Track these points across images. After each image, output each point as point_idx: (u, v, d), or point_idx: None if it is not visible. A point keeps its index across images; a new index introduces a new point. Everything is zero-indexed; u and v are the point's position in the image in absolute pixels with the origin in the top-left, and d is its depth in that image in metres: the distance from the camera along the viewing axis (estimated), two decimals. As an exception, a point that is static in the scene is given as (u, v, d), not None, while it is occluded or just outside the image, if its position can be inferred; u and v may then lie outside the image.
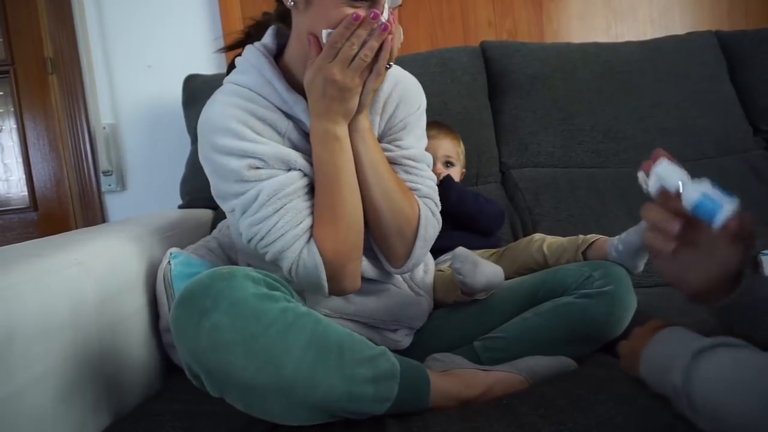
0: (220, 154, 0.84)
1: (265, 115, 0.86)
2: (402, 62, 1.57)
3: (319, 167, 0.85)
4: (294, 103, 0.87)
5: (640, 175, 0.68)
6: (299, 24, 0.85)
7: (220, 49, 1.01)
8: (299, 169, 0.87)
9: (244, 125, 0.84)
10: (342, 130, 0.83)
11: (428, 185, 0.96)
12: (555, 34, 1.90)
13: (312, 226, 0.86)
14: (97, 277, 0.91)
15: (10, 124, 1.84)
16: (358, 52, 0.77)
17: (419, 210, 0.92)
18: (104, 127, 1.81)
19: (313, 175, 0.87)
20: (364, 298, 0.94)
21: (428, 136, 1.02)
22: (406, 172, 0.94)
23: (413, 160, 0.95)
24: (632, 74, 1.62)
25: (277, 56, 0.91)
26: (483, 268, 0.94)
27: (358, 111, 0.84)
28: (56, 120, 1.82)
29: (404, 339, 1.00)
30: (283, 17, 0.91)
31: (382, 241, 0.92)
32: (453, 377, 0.82)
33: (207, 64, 1.78)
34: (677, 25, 1.93)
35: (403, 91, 0.97)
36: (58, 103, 1.81)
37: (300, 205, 0.85)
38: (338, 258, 0.84)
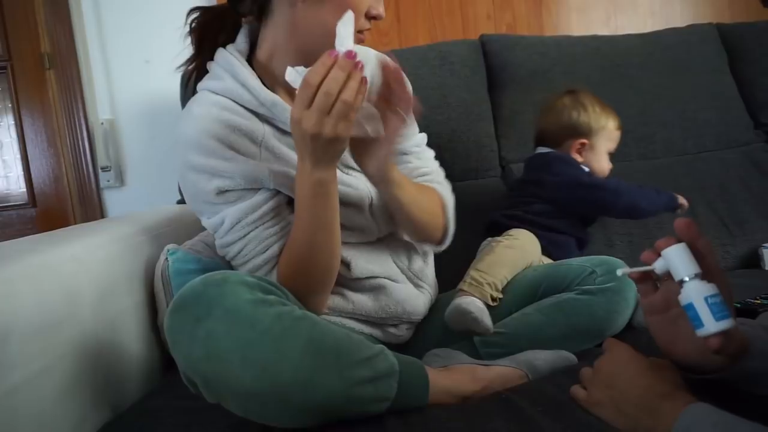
0: (191, 171, 0.85)
1: (240, 124, 0.85)
2: (401, 56, 1.56)
3: (300, 204, 0.80)
4: (272, 104, 0.85)
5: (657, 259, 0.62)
6: (300, 17, 0.83)
7: (183, 65, 0.97)
8: (271, 189, 0.85)
9: (217, 140, 0.83)
10: (327, 174, 0.76)
11: (434, 164, 1.04)
12: (554, 26, 1.89)
13: (279, 254, 0.85)
14: (94, 273, 0.91)
15: (8, 121, 1.83)
16: (336, 97, 0.67)
17: (441, 198, 0.98)
18: (102, 123, 1.81)
19: (291, 189, 0.85)
20: (362, 296, 0.94)
21: None
22: (417, 158, 1.01)
23: (418, 145, 1.02)
24: (632, 67, 1.61)
25: (249, 56, 0.90)
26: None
27: (389, 161, 0.82)
28: (54, 116, 1.81)
29: (405, 333, 1.00)
30: (263, 10, 0.87)
31: (420, 240, 1.00)
32: (452, 373, 0.82)
33: (205, 58, 1.78)
34: (678, 18, 1.91)
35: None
36: (55, 98, 1.81)
37: (263, 233, 0.85)
38: (299, 293, 0.81)
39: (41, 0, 1.77)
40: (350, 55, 0.68)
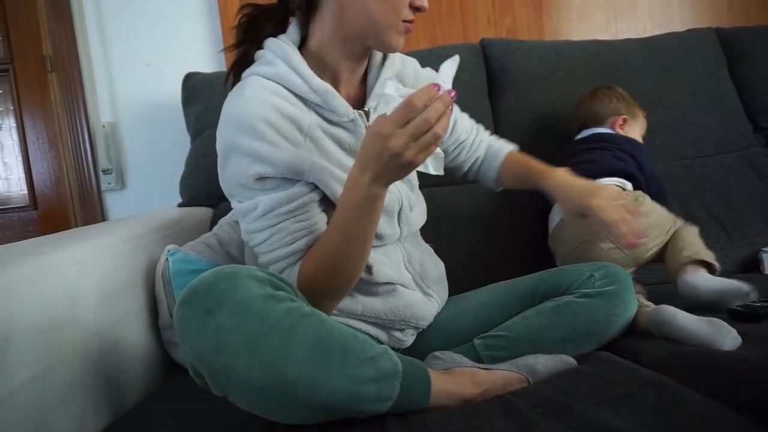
0: (234, 153, 0.84)
1: (289, 111, 0.85)
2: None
3: (342, 213, 0.80)
4: (324, 91, 0.86)
5: None
6: (347, 6, 0.86)
7: (228, 48, 0.96)
8: (310, 182, 0.86)
9: (267, 123, 0.83)
10: (382, 192, 0.76)
11: (474, 126, 1.18)
12: (554, 31, 1.90)
13: (305, 248, 0.85)
14: (96, 276, 0.91)
15: (10, 123, 1.84)
16: (432, 127, 0.68)
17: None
18: (104, 126, 1.81)
19: (326, 186, 0.86)
20: (372, 299, 0.94)
21: None
22: (467, 136, 1.15)
23: (466, 130, 1.15)
24: (632, 72, 1.61)
25: (300, 48, 0.91)
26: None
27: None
28: (56, 118, 1.82)
29: (409, 338, 1.00)
30: (310, 2, 0.89)
31: None
32: (454, 376, 0.82)
33: (206, 61, 1.78)
34: (677, 22, 1.92)
35: (417, 71, 1.06)
36: (57, 101, 1.81)
37: (293, 226, 0.84)
38: (315, 295, 0.81)
39: (43, 3, 1.77)
40: (451, 93, 0.70)
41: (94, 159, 1.83)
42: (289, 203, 0.84)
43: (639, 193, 1.24)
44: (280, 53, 0.88)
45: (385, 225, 0.93)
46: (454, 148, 1.13)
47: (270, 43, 0.90)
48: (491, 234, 1.45)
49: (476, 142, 1.15)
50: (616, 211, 0.89)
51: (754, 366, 0.80)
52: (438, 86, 0.70)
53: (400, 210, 0.95)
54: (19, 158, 1.85)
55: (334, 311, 0.91)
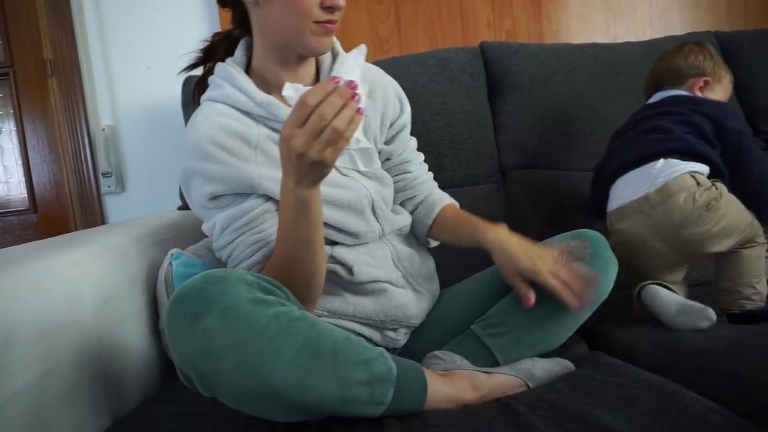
0: (190, 177, 0.88)
1: (235, 128, 0.88)
2: (401, 62, 1.58)
3: (282, 219, 0.80)
4: (267, 104, 0.88)
5: None
6: (263, 18, 0.88)
7: (183, 70, 1.01)
8: (261, 195, 0.88)
9: (213, 144, 0.86)
10: (309, 194, 0.75)
11: (424, 167, 1.12)
12: (554, 34, 1.90)
13: (263, 259, 0.87)
14: (95, 279, 0.91)
15: (10, 126, 1.84)
16: (329, 122, 0.67)
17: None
18: (104, 129, 1.81)
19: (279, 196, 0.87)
20: (363, 299, 0.94)
21: None
22: (413, 167, 1.09)
23: (411, 158, 1.08)
24: (632, 75, 1.61)
25: (248, 69, 0.95)
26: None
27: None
28: (56, 122, 1.82)
29: (402, 338, 1.00)
30: (242, 23, 0.94)
31: None
32: (452, 379, 0.82)
33: (206, 65, 1.79)
34: (676, 26, 1.93)
35: (399, 94, 1.05)
36: (57, 105, 1.81)
37: (250, 239, 0.87)
38: None
39: (43, 7, 1.78)
40: (351, 84, 0.68)
41: (94, 162, 1.83)
42: (242, 217, 0.87)
43: (714, 192, 1.09)
44: (225, 75, 0.92)
45: (357, 222, 0.93)
46: (396, 175, 1.08)
47: (217, 67, 0.95)
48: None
49: (421, 180, 1.10)
50: (556, 276, 0.84)
51: (753, 367, 0.80)
52: (337, 79, 0.68)
53: (372, 205, 0.95)
54: (19, 161, 1.85)
55: (324, 312, 0.92)
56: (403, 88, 1.07)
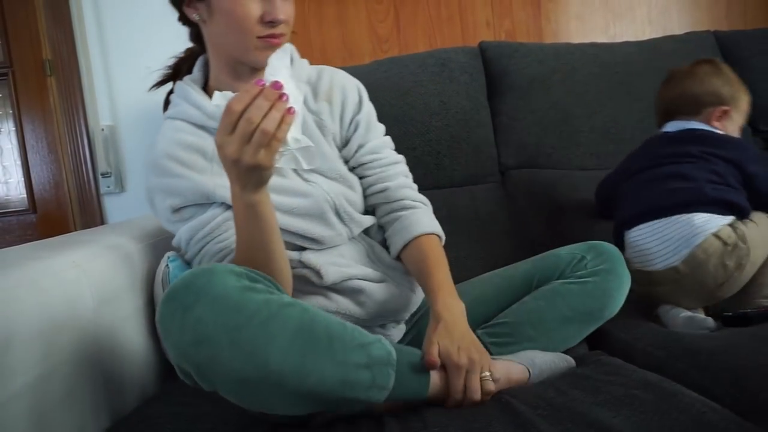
0: (152, 193, 0.92)
1: (191, 142, 0.91)
2: (401, 62, 1.58)
3: (236, 225, 0.80)
4: (218, 116, 0.86)
5: None
6: (211, 35, 0.92)
7: (152, 87, 1.04)
8: (220, 204, 0.90)
9: (169, 159, 0.90)
10: (256, 198, 0.75)
11: (399, 171, 1.03)
12: (553, 34, 1.90)
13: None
14: (95, 279, 0.91)
15: (9, 127, 1.84)
16: (258, 125, 0.67)
17: (438, 237, 1.00)
18: (103, 129, 1.81)
19: None
20: (343, 299, 0.95)
21: None
22: (376, 168, 1.02)
23: (375, 152, 1.02)
24: (631, 75, 1.62)
25: (207, 84, 0.99)
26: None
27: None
28: (55, 122, 1.82)
29: (394, 332, 1.00)
30: (198, 39, 0.98)
31: None
32: None
33: (205, 65, 1.78)
34: (675, 25, 1.93)
35: (360, 92, 1.04)
36: (56, 105, 1.81)
37: (214, 248, 0.90)
38: None
39: (42, 7, 1.78)
40: (277, 85, 0.68)
41: (94, 162, 1.83)
42: (203, 228, 0.90)
43: (742, 250, 1.06)
44: (181, 93, 0.96)
45: (320, 229, 0.93)
46: (366, 170, 1.03)
47: (176, 86, 0.99)
48: (490, 235, 1.45)
49: (391, 171, 1.03)
50: (460, 382, 0.77)
51: (752, 366, 0.80)
52: (262, 83, 0.68)
53: (336, 209, 0.95)
54: (19, 162, 1.84)
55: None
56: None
